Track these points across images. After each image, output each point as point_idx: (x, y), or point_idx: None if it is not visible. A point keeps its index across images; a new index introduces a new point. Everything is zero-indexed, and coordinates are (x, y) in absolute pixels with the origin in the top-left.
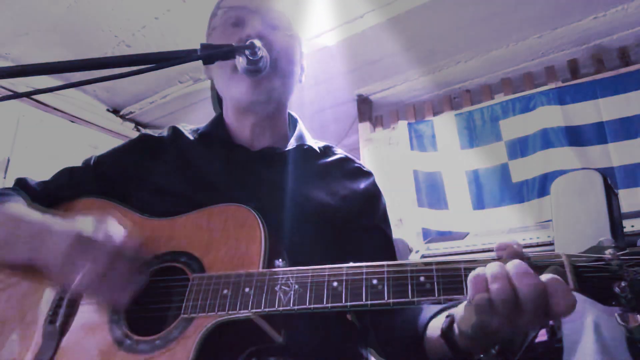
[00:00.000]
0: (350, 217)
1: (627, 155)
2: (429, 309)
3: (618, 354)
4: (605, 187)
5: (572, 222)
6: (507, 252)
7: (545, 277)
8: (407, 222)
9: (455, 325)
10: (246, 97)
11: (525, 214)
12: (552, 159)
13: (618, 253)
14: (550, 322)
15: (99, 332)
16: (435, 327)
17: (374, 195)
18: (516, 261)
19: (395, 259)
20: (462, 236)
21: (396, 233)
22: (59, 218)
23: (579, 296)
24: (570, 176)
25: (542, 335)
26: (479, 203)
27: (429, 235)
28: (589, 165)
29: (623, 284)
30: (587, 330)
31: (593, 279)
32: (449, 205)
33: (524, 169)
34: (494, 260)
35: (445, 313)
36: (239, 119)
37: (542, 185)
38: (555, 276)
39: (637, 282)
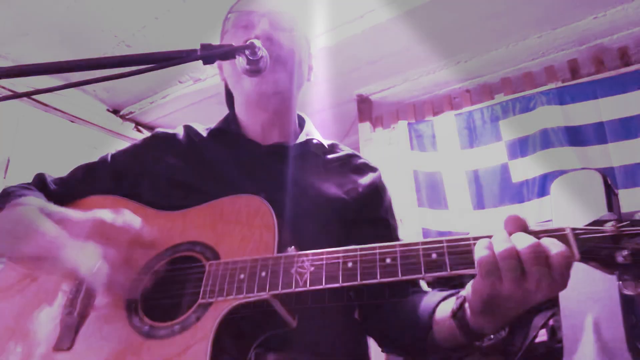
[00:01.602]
0: (357, 210)
1: (627, 155)
2: (434, 296)
3: (618, 354)
4: (605, 187)
5: (572, 222)
6: (515, 227)
7: (544, 239)
8: (407, 222)
9: (466, 306)
10: (254, 89)
11: (525, 214)
12: (552, 159)
13: (619, 225)
14: (551, 322)
15: (117, 319)
16: (444, 311)
17: (380, 189)
18: (518, 233)
19: None
20: None
21: None
22: (76, 210)
23: (579, 296)
24: (570, 176)
25: (542, 335)
26: (479, 203)
27: (429, 235)
28: (589, 165)
29: (625, 252)
30: (587, 330)
31: (596, 249)
32: (449, 205)
33: (524, 169)
34: None
35: (454, 297)
36: (249, 114)
37: (542, 185)
38: (551, 238)
39: (638, 251)
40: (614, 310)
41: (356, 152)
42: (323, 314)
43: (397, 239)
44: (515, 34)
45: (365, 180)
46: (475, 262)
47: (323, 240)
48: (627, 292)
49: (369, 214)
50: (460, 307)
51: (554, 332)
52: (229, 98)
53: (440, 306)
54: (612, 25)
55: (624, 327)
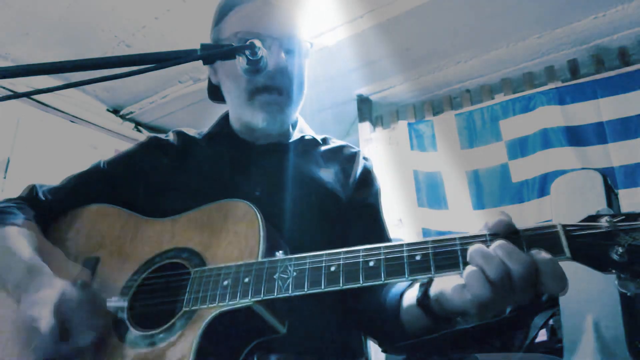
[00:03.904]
0: (350, 196)
1: (627, 155)
2: (399, 285)
3: (618, 354)
4: (605, 187)
5: (572, 222)
6: (501, 227)
7: (537, 254)
8: (407, 222)
9: (432, 294)
10: (260, 126)
11: (525, 214)
12: (552, 159)
13: (614, 220)
14: (551, 322)
15: (103, 327)
16: (410, 298)
17: (370, 175)
18: (502, 242)
19: (385, 233)
20: None
21: (396, 233)
22: (24, 275)
23: (579, 295)
24: (570, 176)
25: (543, 335)
26: (479, 203)
27: (429, 235)
28: (589, 165)
29: (620, 250)
30: (587, 330)
31: (589, 247)
32: (449, 205)
33: (524, 169)
34: (490, 235)
35: (417, 284)
36: (246, 127)
37: (542, 185)
38: (546, 255)
39: (635, 247)
40: (614, 310)
41: (348, 143)
42: (320, 313)
43: (384, 227)
44: (515, 34)
45: (358, 167)
46: (464, 280)
47: (317, 233)
48: (625, 292)
49: (361, 200)
50: (425, 294)
51: (554, 332)
52: (214, 94)
53: (407, 293)
54: (612, 25)
55: (624, 327)
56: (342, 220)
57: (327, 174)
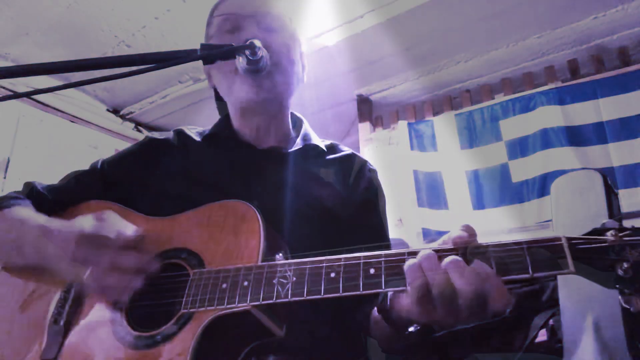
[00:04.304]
0: (352, 212)
1: (627, 155)
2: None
3: (618, 354)
4: (605, 187)
5: (572, 222)
6: (462, 242)
7: (479, 267)
8: (407, 222)
9: (387, 300)
10: (250, 97)
11: (525, 214)
12: (552, 159)
13: (620, 234)
14: (551, 322)
15: (101, 329)
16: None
17: (377, 191)
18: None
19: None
20: None
21: (396, 233)
22: (63, 220)
23: (579, 295)
24: (570, 176)
25: (542, 335)
26: (479, 203)
27: (429, 235)
28: (589, 165)
29: (626, 265)
30: (587, 330)
31: (594, 261)
32: (449, 205)
33: (524, 169)
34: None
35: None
36: (243, 119)
37: (542, 185)
38: (487, 269)
39: None
40: (614, 310)
41: (355, 152)
42: (320, 314)
43: (387, 241)
44: (515, 34)
45: (362, 183)
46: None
47: (318, 245)
48: (628, 307)
49: (365, 217)
50: (384, 301)
51: (554, 332)
52: (220, 103)
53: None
54: (612, 25)
55: (624, 327)
56: (343, 236)
57: (329, 186)
